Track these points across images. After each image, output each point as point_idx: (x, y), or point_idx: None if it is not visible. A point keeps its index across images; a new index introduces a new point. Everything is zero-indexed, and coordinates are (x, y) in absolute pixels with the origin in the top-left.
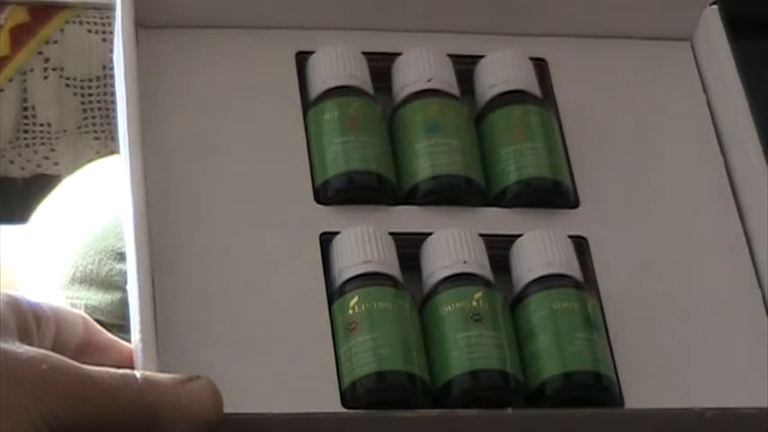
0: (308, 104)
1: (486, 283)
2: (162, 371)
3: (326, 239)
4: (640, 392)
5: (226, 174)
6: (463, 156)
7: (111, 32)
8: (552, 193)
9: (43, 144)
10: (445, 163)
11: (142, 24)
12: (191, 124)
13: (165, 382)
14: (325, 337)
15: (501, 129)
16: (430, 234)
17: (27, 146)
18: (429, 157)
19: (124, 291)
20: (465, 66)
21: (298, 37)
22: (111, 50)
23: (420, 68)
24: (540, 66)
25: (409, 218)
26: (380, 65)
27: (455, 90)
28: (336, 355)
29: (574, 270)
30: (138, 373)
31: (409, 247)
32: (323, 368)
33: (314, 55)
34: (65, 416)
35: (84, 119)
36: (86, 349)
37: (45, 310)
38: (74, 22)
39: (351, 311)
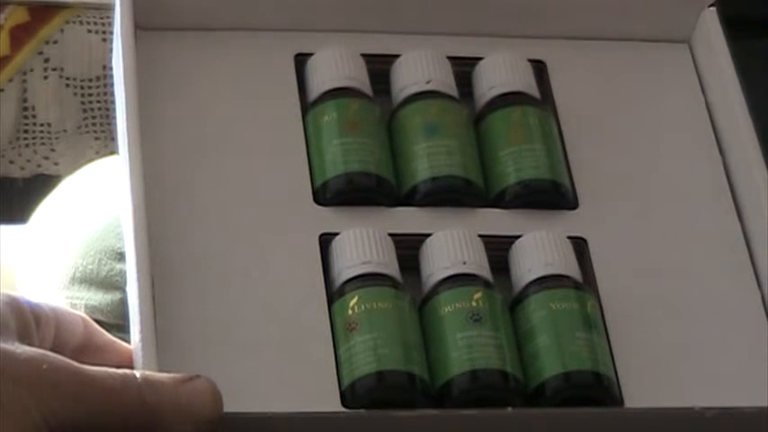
0: (306, 106)
1: (485, 283)
2: (162, 371)
3: (326, 240)
4: (640, 392)
5: (225, 175)
6: (462, 157)
7: (111, 32)
8: (551, 195)
9: (43, 144)
10: (444, 164)
11: (141, 26)
12: (190, 126)
13: (165, 382)
14: (325, 338)
15: (500, 130)
16: (429, 235)
17: (27, 146)
18: (428, 159)
19: (124, 291)
20: (464, 68)
21: (297, 39)
22: (111, 50)
23: (419, 70)
24: (539, 68)
25: (408, 219)
26: (379, 67)
27: (454, 92)
28: (336, 355)
29: (573, 270)
30: (137, 373)
31: (408, 248)
32: (323, 368)
33: (313, 57)
34: (65, 416)
35: (84, 119)
36: (86, 350)
37: (45, 311)
38: (74, 22)
39: (350, 312)
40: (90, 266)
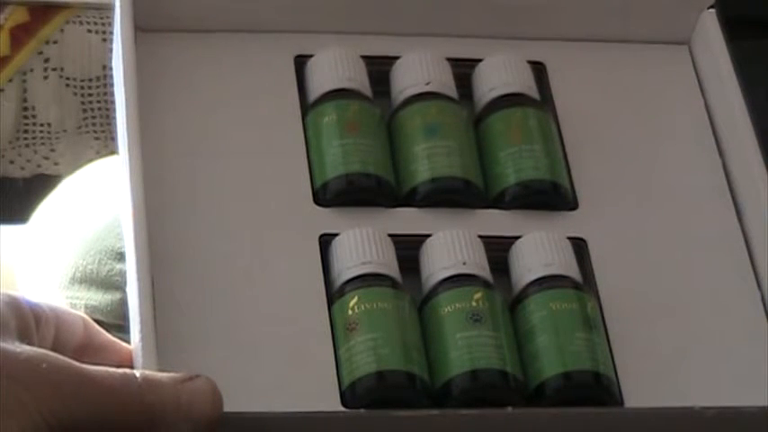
0: (306, 107)
1: (485, 283)
2: (162, 371)
3: (326, 241)
4: (640, 392)
5: (225, 176)
6: (462, 158)
7: (111, 32)
8: (551, 195)
9: (43, 144)
10: (444, 165)
11: (141, 28)
12: (190, 127)
13: (165, 382)
14: (325, 338)
15: (499, 131)
16: (429, 236)
17: (27, 146)
18: (428, 160)
19: (124, 291)
20: (463, 69)
21: (297, 40)
22: (111, 51)
23: (418, 72)
24: (539, 69)
25: (408, 219)
26: (379, 68)
27: (453, 93)
28: (336, 356)
29: (573, 271)
30: (137, 373)
31: (408, 249)
32: (323, 368)
33: (313, 58)
34: (64, 415)
35: (84, 119)
36: (86, 350)
37: (45, 311)
38: (74, 22)
39: (350, 312)
40: (90, 266)
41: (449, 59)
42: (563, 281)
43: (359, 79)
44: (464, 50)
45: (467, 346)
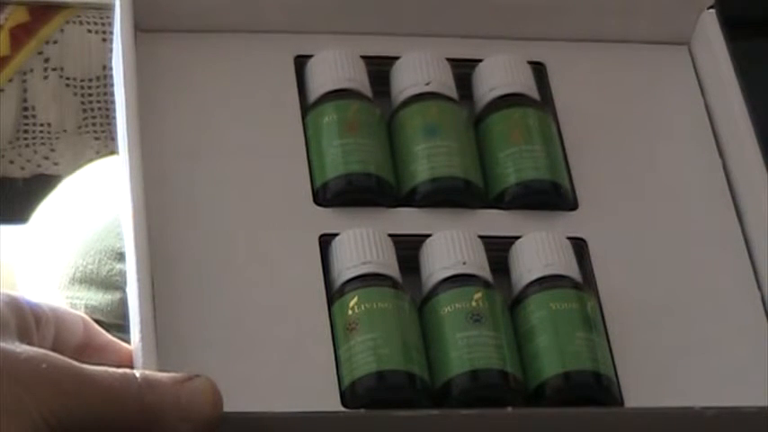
0: (306, 108)
1: (485, 283)
2: (162, 371)
3: (326, 241)
4: (640, 392)
5: (225, 176)
6: (462, 158)
7: (111, 32)
8: (551, 195)
9: (43, 144)
10: (444, 165)
11: (141, 28)
12: (190, 127)
13: (165, 382)
14: (325, 338)
15: (500, 131)
16: (429, 236)
17: (27, 146)
18: (428, 160)
19: (124, 291)
20: (463, 69)
21: (296, 41)
22: (111, 51)
23: (418, 72)
24: (539, 69)
25: (408, 220)
26: (379, 68)
27: (453, 93)
28: (336, 356)
29: (573, 271)
30: (137, 373)
31: (408, 249)
32: (323, 368)
33: (313, 58)
34: (64, 415)
35: (84, 119)
36: (86, 350)
37: (45, 311)
38: (74, 22)
39: (350, 312)
40: (90, 266)
41: (449, 59)
42: (563, 281)
43: (359, 79)
44: (464, 50)
45: (467, 346)
